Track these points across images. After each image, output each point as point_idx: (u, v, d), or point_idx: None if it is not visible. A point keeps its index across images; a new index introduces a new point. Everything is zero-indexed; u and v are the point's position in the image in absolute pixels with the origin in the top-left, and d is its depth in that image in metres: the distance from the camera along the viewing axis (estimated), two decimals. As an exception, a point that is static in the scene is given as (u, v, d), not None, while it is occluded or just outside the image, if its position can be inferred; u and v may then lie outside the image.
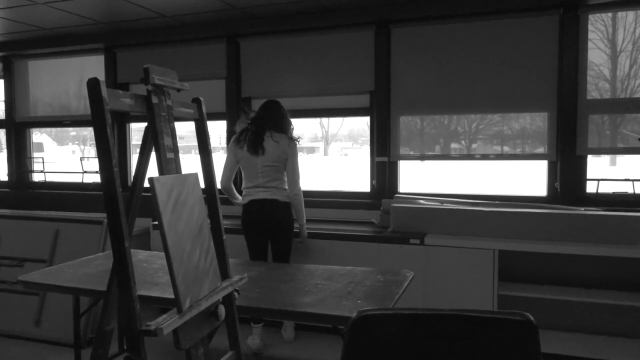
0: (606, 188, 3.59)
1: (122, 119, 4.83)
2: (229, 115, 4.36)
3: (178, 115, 1.95)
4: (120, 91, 1.67)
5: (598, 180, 3.57)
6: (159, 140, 1.78)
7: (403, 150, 4.00)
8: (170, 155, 1.82)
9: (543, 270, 3.46)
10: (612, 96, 3.54)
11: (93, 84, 1.52)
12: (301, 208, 3.45)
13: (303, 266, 2.98)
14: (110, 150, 1.52)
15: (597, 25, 3.54)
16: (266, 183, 3.40)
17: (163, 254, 1.81)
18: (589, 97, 3.55)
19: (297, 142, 3.47)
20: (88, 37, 4.63)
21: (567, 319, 3.40)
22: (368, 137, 4.13)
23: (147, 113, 1.79)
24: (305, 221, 3.50)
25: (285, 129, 3.47)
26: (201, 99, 2.09)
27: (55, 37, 4.71)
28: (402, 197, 3.81)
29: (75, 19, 4.09)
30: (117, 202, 1.53)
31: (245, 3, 3.71)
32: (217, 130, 4.95)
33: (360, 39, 3.99)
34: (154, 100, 1.79)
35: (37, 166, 5.31)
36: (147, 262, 3.02)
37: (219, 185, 4.45)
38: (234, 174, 3.56)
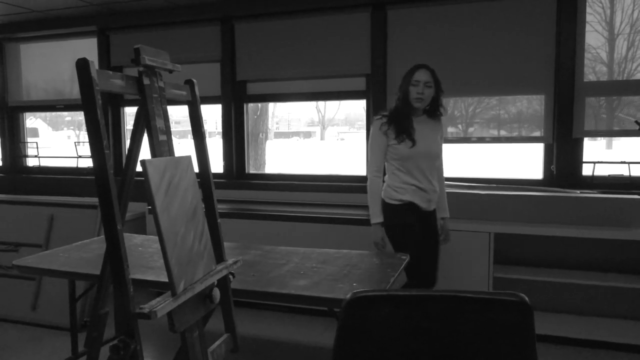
0: (602, 171, 3.58)
1: (117, 103, 4.78)
2: (224, 99, 4.32)
3: (171, 97, 1.92)
4: (111, 72, 1.64)
5: (594, 162, 3.56)
6: (150, 122, 1.75)
7: (399, 134, 3.97)
8: (162, 137, 1.79)
9: (538, 253, 3.47)
10: (609, 79, 3.52)
11: (82, 65, 1.50)
12: (369, 197, 2.98)
13: (298, 250, 2.97)
14: (101, 132, 1.50)
15: (594, 8, 3.51)
16: None
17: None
18: (585, 80, 3.53)
19: (376, 119, 2.99)
20: (80, 20, 4.56)
21: (562, 301, 3.42)
22: (364, 122, 4.10)
23: (139, 94, 1.76)
24: (370, 214, 2.97)
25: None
26: (194, 80, 2.06)
27: (47, 20, 4.64)
28: (398, 180, 3.79)
29: (67, 0, 4.02)
30: (109, 185, 1.51)
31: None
32: (213, 114, 4.91)
33: (357, 21, 3.94)
34: (146, 81, 1.76)
35: (31, 151, 5.28)
36: (142, 246, 3.01)
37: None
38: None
